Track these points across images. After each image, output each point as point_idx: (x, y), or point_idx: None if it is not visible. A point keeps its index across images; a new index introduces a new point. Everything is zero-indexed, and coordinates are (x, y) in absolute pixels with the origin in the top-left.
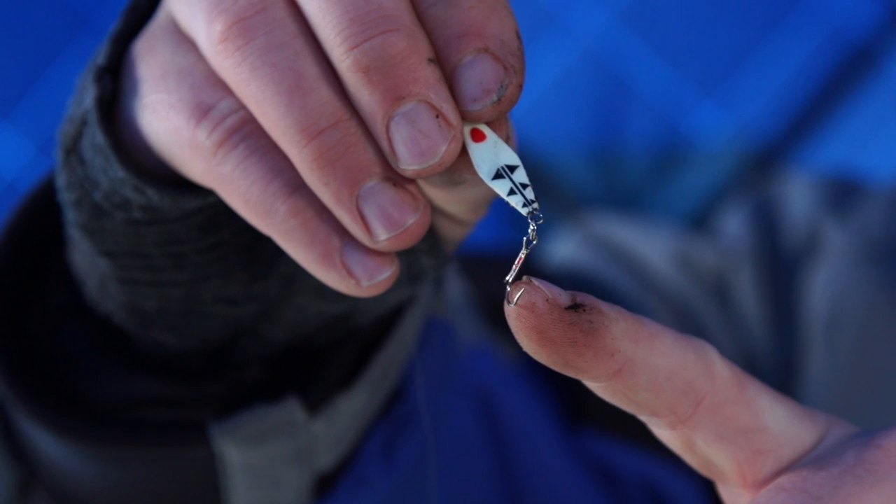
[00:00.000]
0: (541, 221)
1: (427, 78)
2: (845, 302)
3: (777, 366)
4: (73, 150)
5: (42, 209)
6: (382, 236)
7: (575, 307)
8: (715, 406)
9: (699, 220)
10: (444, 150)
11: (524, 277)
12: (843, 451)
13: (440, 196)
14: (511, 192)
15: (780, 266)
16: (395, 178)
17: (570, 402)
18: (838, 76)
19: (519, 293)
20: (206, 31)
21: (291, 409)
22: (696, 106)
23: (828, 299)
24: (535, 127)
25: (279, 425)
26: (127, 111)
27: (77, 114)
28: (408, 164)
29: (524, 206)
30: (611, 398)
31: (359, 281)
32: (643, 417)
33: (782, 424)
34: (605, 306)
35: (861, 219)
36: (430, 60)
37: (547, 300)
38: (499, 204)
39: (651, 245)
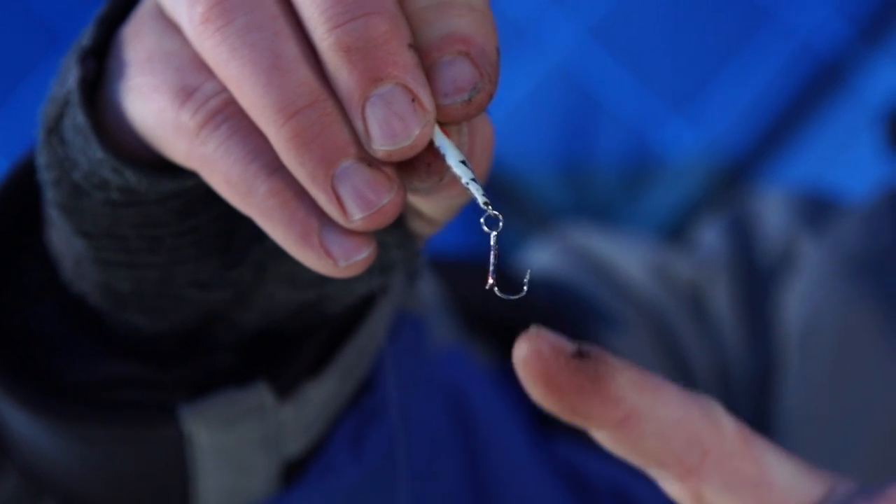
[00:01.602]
0: (500, 224)
1: (406, 62)
2: (820, 317)
3: (752, 379)
4: (53, 129)
5: (20, 189)
6: (357, 216)
7: (580, 355)
8: (722, 458)
9: (669, 235)
10: (416, 134)
11: (531, 328)
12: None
13: (419, 199)
14: (473, 181)
15: (756, 280)
16: (370, 158)
17: (542, 408)
18: (807, 91)
19: (526, 343)
20: (188, 13)
21: (261, 394)
22: (665, 121)
23: (803, 314)
24: (505, 141)
25: (249, 409)
26: (111, 93)
27: (59, 94)
28: (380, 144)
29: (482, 195)
30: (618, 448)
31: (336, 261)
32: (651, 471)
33: (789, 479)
34: (610, 356)
35: (836, 234)
36: (410, 46)
37: (553, 347)
38: (466, 210)
39: (627, 256)
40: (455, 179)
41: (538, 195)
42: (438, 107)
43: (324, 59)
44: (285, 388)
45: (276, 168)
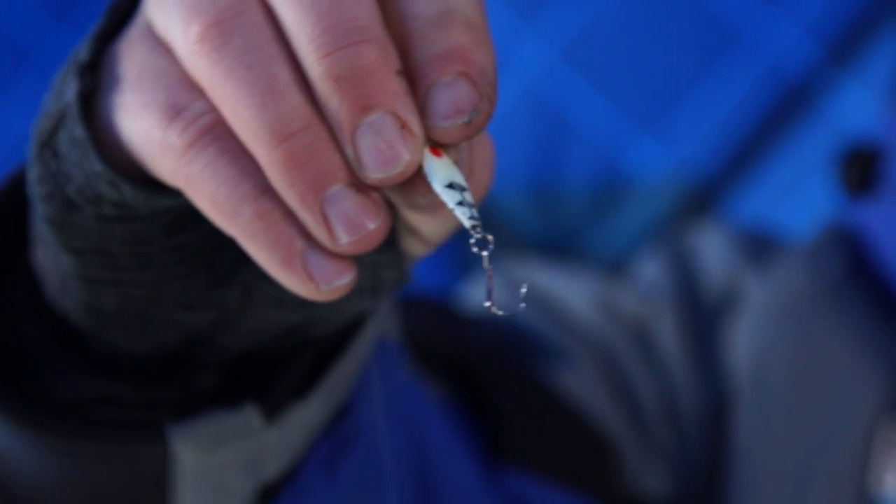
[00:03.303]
0: (491, 246)
1: (395, 90)
2: (770, 354)
3: (702, 415)
4: (47, 144)
5: (6, 205)
6: (344, 240)
7: None
8: None
9: (637, 256)
10: (406, 160)
11: None
12: None
13: (418, 219)
14: (459, 204)
15: (700, 316)
16: (359, 183)
17: (492, 440)
18: (776, 113)
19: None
20: (182, 33)
21: (249, 416)
22: (634, 142)
23: (752, 352)
24: None
25: (236, 431)
26: (103, 109)
27: (55, 108)
28: (371, 172)
29: (470, 218)
30: None
31: (318, 285)
32: None
33: None
34: None
35: (781, 272)
36: (399, 73)
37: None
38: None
39: (572, 289)
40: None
41: (507, 216)
42: (438, 129)
43: (315, 87)
44: (273, 410)
45: (262, 190)
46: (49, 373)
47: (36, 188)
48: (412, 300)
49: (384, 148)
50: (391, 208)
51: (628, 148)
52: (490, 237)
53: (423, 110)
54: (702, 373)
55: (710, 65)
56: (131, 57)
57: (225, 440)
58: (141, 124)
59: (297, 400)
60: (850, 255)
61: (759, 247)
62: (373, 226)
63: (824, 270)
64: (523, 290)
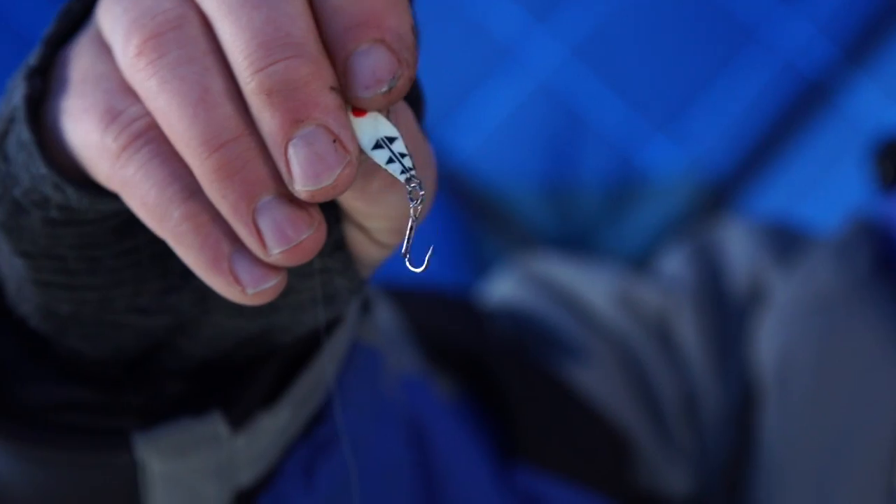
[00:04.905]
0: (422, 193)
1: (327, 104)
2: (795, 353)
3: (725, 413)
4: None
5: None
6: (276, 250)
7: None
8: None
9: (652, 255)
10: (337, 174)
11: None
12: None
13: (361, 209)
14: (390, 161)
15: (725, 312)
16: (291, 194)
17: (503, 437)
18: (791, 111)
19: None
20: (122, 45)
21: (215, 424)
22: (649, 140)
23: (776, 350)
24: (488, 161)
25: (202, 438)
26: (49, 113)
27: (5, 112)
28: (302, 185)
29: (402, 172)
30: None
31: (244, 288)
32: None
33: None
34: None
35: (807, 268)
36: (332, 88)
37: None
38: (447, 248)
39: (592, 285)
40: (385, 184)
41: (522, 214)
42: (359, 99)
43: (248, 101)
44: (239, 418)
45: (191, 193)
46: (18, 378)
47: None
48: (422, 294)
49: (315, 161)
50: (337, 213)
51: (643, 146)
52: (422, 191)
53: (343, 82)
54: (724, 369)
55: (725, 63)
56: (78, 61)
57: (191, 447)
58: (81, 128)
59: (264, 407)
60: (878, 249)
61: (785, 241)
62: (304, 235)
63: (852, 265)
64: (430, 251)
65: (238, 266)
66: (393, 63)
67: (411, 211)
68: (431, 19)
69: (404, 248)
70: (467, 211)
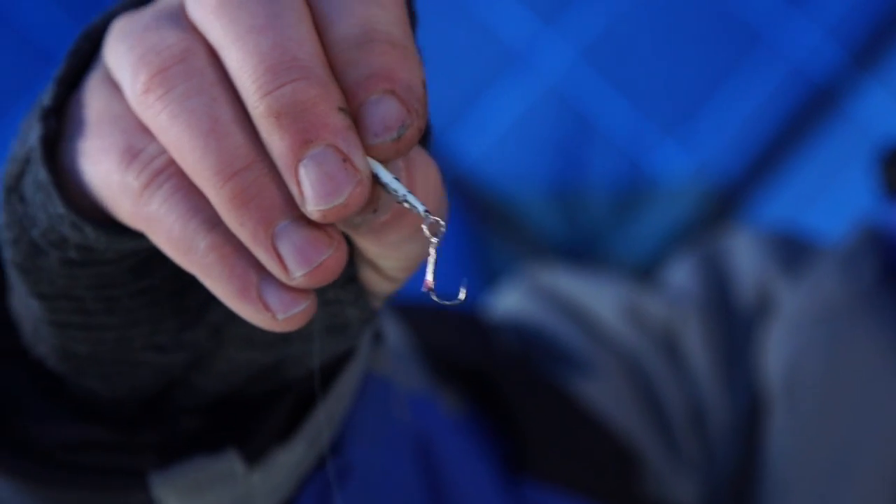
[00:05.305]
0: (442, 226)
1: (336, 124)
2: (804, 362)
3: (732, 424)
4: (14, 188)
5: None
6: (298, 273)
7: None
8: None
9: (660, 260)
10: (348, 193)
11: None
12: None
13: (374, 251)
14: (409, 194)
15: (733, 324)
16: (308, 217)
17: (511, 451)
18: (799, 115)
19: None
20: (130, 84)
21: (231, 461)
22: (658, 144)
23: (784, 361)
24: (497, 164)
25: (219, 476)
26: (66, 154)
27: (20, 153)
28: (314, 205)
29: (422, 204)
30: None
31: (275, 314)
32: None
33: None
34: None
35: (813, 278)
36: (341, 109)
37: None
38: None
39: (599, 297)
40: (397, 217)
41: (530, 218)
42: (369, 147)
43: (257, 125)
44: (255, 455)
45: (214, 224)
46: (33, 417)
47: (4, 233)
48: (429, 311)
49: (326, 181)
50: (350, 249)
51: (651, 150)
52: (442, 223)
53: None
54: (731, 379)
55: (733, 67)
56: (92, 102)
57: (208, 485)
58: (101, 168)
59: (280, 443)
60: (884, 257)
61: (792, 251)
62: (325, 256)
63: (859, 274)
64: (463, 285)
65: (267, 293)
66: (402, 112)
67: (431, 246)
68: (440, 23)
69: (429, 281)
70: (475, 215)
